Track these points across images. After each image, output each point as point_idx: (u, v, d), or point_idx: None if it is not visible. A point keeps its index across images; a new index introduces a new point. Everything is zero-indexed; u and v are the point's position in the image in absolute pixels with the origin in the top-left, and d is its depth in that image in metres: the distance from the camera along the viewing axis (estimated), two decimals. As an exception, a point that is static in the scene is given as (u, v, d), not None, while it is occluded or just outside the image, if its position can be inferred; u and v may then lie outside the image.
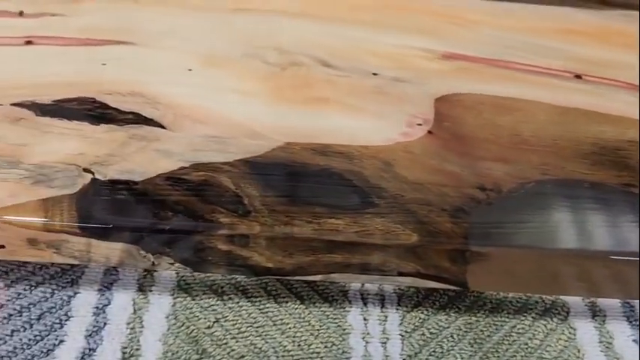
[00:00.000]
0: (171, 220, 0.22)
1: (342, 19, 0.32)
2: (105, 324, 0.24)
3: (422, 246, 0.23)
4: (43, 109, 0.26)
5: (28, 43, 0.29)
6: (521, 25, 0.33)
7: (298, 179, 0.24)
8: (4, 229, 0.22)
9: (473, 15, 0.33)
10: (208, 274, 0.26)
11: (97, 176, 0.23)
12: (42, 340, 0.24)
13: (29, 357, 0.23)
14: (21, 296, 0.25)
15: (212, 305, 0.25)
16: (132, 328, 0.24)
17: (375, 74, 0.29)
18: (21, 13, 0.31)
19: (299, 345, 0.25)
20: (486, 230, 0.23)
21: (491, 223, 0.24)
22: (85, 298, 0.25)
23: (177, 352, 0.24)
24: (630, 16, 0.34)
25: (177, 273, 0.26)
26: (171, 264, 0.23)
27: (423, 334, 0.25)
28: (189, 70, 0.28)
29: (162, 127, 0.25)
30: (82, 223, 0.22)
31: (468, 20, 0.33)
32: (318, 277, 0.23)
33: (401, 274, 0.23)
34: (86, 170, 0.23)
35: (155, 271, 0.26)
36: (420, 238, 0.22)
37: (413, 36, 0.31)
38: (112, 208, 0.22)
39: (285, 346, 0.25)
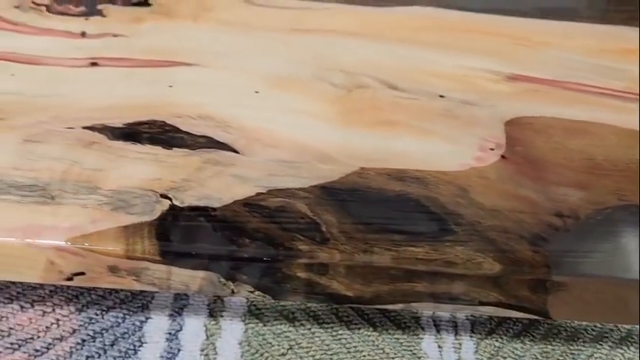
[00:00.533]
0: (250, 248, 0.22)
1: (404, 40, 0.32)
2: (179, 350, 0.24)
3: (504, 276, 0.22)
4: (114, 133, 0.26)
5: (93, 64, 0.29)
6: (584, 46, 0.33)
7: (375, 205, 0.24)
8: (85, 257, 0.22)
9: (537, 36, 0.33)
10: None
11: (175, 202, 0.23)
12: (118, 366, 0.23)
13: (107, 384, 0.23)
14: (93, 321, 0.25)
15: (285, 332, 0.25)
16: (206, 355, 0.24)
17: (442, 96, 0.29)
18: (83, 34, 0.31)
19: (375, 373, 0.24)
20: (566, 259, 0.23)
21: (571, 251, 0.23)
22: (157, 324, 0.25)
23: (253, 380, 0.24)
24: None
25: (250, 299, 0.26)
26: (251, 292, 0.23)
27: (500, 363, 0.25)
28: (256, 92, 0.28)
29: (236, 151, 0.25)
30: (163, 251, 0.22)
31: (532, 41, 0.33)
32: (398, 307, 0.23)
33: (482, 303, 0.23)
34: (163, 196, 0.23)
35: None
36: (503, 268, 0.22)
37: (477, 57, 0.31)
38: (191, 235, 0.22)
39: (361, 375, 0.24)
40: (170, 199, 0.23)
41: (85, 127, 0.26)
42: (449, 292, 0.23)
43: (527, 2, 0.37)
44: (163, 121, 0.26)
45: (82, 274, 0.22)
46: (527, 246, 0.23)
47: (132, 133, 0.26)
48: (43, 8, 0.33)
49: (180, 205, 0.23)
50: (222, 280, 0.22)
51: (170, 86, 0.28)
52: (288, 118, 0.27)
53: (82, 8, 0.33)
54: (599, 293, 0.24)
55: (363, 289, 0.23)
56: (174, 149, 0.25)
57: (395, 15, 0.34)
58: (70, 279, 0.22)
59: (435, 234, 0.23)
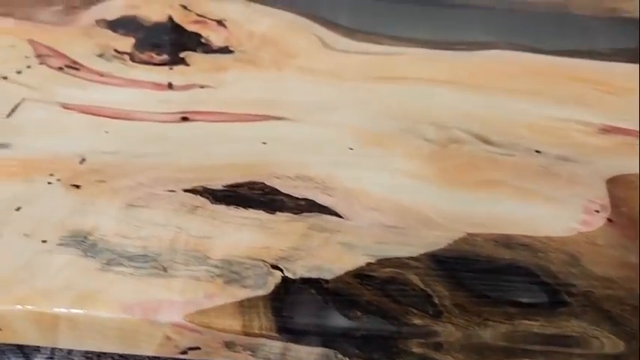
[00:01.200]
0: (364, 322, 0.22)
1: (493, 88, 0.31)
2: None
3: (627, 354, 0.22)
4: (215, 196, 0.26)
5: (184, 119, 0.29)
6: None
7: (485, 275, 0.24)
8: (202, 333, 0.22)
9: (619, 81, 0.33)
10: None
11: (287, 274, 0.23)
12: None
13: None
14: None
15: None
16: None
17: (538, 152, 0.28)
18: (170, 86, 0.31)
19: None
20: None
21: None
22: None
23: None
24: None
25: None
26: (367, 367, 0.23)
27: None
28: (350, 148, 0.28)
29: (339, 215, 0.25)
30: (280, 327, 0.22)
31: (615, 87, 0.32)
32: (515, 382, 0.23)
33: (600, 378, 0.23)
34: (274, 267, 0.23)
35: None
36: (626, 347, 0.22)
37: (566, 106, 0.31)
38: (306, 309, 0.22)
39: None
40: (282, 271, 0.23)
41: (186, 190, 0.26)
42: (567, 368, 0.22)
43: (601, 41, 0.36)
44: (262, 183, 0.26)
45: (198, 348, 0.22)
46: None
47: (232, 196, 0.26)
48: (126, 57, 0.33)
49: (293, 277, 0.23)
50: (340, 355, 0.22)
51: (264, 143, 0.28)
52: (386, 177, 0.27)
53: (164, 56, 0.33)
54: None
55: (478, 364, 0.23)
56: (278, 214, 0.25)
57: (477, 60, 0.34)
58: (184, 352, 0.22)
59: (549, 305, 0.23)
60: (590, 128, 0.30)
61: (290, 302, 0.22)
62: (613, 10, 0.39)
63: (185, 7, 0.36)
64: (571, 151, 0.28)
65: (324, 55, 0.33)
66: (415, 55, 0.34)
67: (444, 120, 0.30)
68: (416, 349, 0.22)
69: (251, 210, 0.25)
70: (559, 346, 0.22)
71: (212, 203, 0.25)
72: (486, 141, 0.29)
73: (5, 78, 0.31)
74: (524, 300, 0.23)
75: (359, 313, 0.22)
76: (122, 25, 0.35)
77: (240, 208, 0.25)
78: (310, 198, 0.26)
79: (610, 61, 0.34)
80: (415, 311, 0.22)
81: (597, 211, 0.26)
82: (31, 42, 0.34)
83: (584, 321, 0.23)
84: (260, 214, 0.25)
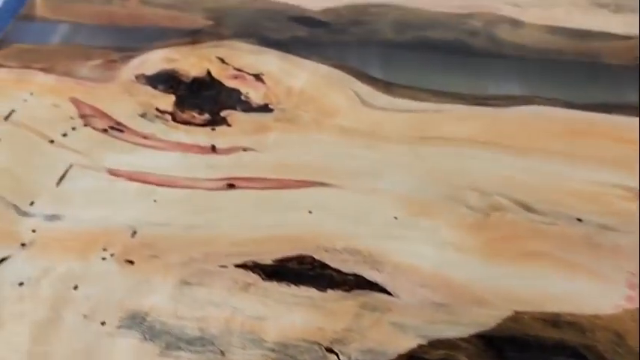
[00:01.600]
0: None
1: (531, 149, 0.32)
2: None
3: None
4: (266, 272, 0.26)
5: (230, 186, 0.30)
6: None
7: (534, 355, 0.24)
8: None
9: (656, 139, 0.33)
10: None
11: (342, 358, 0.23)
12: None
13: None
14: None
15: None
16: None
17: (579, 220, 0.29)
18: (214, 149, 0.32)
19: None
20: None
21: None
22: None
23: None
24: None
25: None
26: None
27: None
28: (395, 217, 0.29)
29: (388, 292, 0.26)
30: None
31: (655, 146, 0.32)
32: None
33: None
34: (329, 350, 0.24)
35: None
36: None
37: (605, 169, 0.31)
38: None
39: None
40: (337, 354, 0.24)
41: (237, 266, 0.26)
42: None
43: (632, 91, 0.37)
44: (311, 257, 0.27)
45: None
46: None
47: (283, 272, 0.26)
48: (168, 116, 0.33)
49: None
50: None
51: (310, 212, 0.29)
52: (432, 250, 0.27)
53: (205, 116, 0.34)
54: None
55: None
56: (329, 291, 0.26)
57: (514, 117, 0.34)
58: None
59: None
60: (630, 193, 0.30)
61: None
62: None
63: (222, 60, 0.37)
64: (612, 219, 0.29)
65: (363, 114, 0.34)
66: (453, 112, 0.34)
67: (485, 185, 0.30)
68: None
69: (302, 287, 0.26)
70: None
71: (263, 280, 0.26)
72: (528, 208, 0.29)
73: (52, 142, 0.32)
74: None
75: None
76: (162, 80, 0.35)
77: (292, 285, 0.26)
78: (359, 274, 0.26)
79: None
80: None
81: None
82: (74, 101, 0.34)
83: None
84: (311, 292, 0.26)
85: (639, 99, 0.35)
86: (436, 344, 0.24)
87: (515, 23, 0.41)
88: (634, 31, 0.40)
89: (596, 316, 0.25)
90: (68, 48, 0.38)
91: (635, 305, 0.26)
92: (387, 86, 0.36)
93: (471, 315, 0.25)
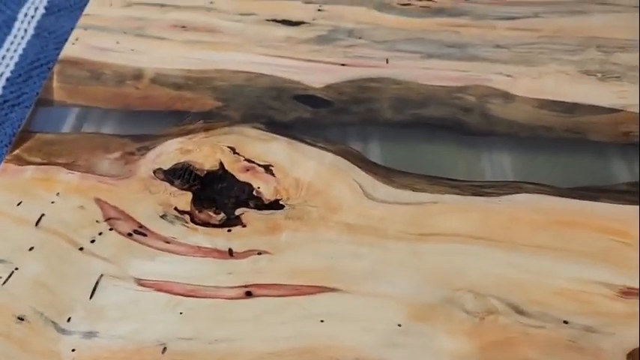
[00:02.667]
0: None
1: (522, 244, 0.35)
2: None
3: None
4: None
5: (248, 294, 0.33)
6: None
7: None
8: None
9: (634, 228, 0.36)
10: None
11: None
12: None
13: None
14: None
15: None
16: None
17: (566, 322, 0.32)
18: (231, 252, 0.35)
19: None
20: None
21: None
22: None
23: None
24: None
25: None
26: None
27: None
28: (399, 325, 0.32)
29: None
30: None
31: (631, 236, 0.36)
32: None
33: None
34: None
35: None
36: None
37: (591, 264, 0.34)
38: None
39: None
40: None
41: None
42: None
43: (619, 171, 0.40)
44: None
45: None
46: None
47: None
48: (187, 217, 0.36)
49: None
50: None
51: (322, 321, 0.32)
52: (431, 359, 0.31)
53: (222, 215, 0.37)
54: None
55: None
56: None
57: (506, 208, 0.37)
58: None
59: None
60: (612, 291, 0.33)
61: None
62: (627, 135, 0.42)
63: (234, 150, 0.40)
64: (595, 320, 0.32)
65: (366, 208, 0.37)
66: (449, 203, 0.37)
67: (480, 286, 0.33)
68: None
69: None
70: None
71: None
72: (519, 311, 0.32)
73: (81, 249, 0.35)
74: None
75: None
76: (178, 175, 0.38)
77: None
78: None
79: (629, 203, 0.37)
80: None
81: None
82: (99, 202, 0.37)
83: None
84: None
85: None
86: None
87: (507, 96, 0.44)
88: (620, 102, 0.43)
89: None
90: (87, 138, 0.41)
91: None
92: (387, 174, 0.39)
93: None
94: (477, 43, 0.48)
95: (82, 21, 0.50)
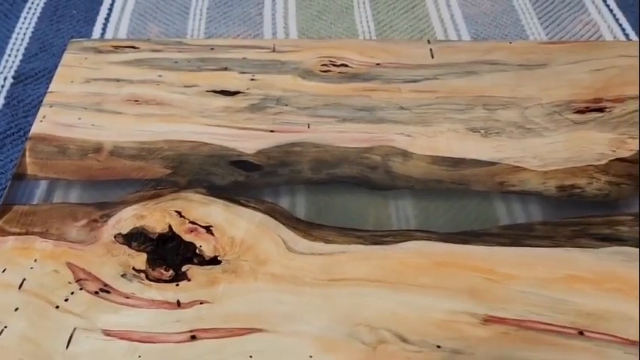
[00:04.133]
0: None
1: (409, 285, 0.45)
2: None
3: None
4: None
5: (193, 337, 0.42)
6: (537, 276, 0.45)
7: None
8: None
9: (501, 267, 0.46)
10: None
11: None
12: None
13: None
14: None
15: None
16: None
17: (438, 347, 0.42)
18: (178, 303, 0.44)
19: None
20: None
21: None
22: None
23: None
24: (625, 253, 0.47)
25: None
26: None
27: None
28: (310, 356, 0.41)
29: None
30: None
31: (500, 274, 0.46)
32: None
33: None
34: None
35: None
36: None
37: (459, 299, 0.44)
38: None
39: None
40: None
41: None
42: None
43: (492, 218, 0.50)
44: None
45: None
46: None
47: None
48: (143, 275, 0.46)
49: None
50: None
51: (251, 357, 0.41)
52: (336, 381, 0.40)
53: (171, 272, 0.46)
54: None
55: None
56: None
57: (399, 255, 0.47)
58: None
59: None
60: (476, 319, 0.43)
61: None
62: (501, 185, 0.52)
63: (179, 214, 0.49)
64: (461, 344, 0.42)
65: (287, 260, 0.46)
66: (354, 253, 0.47)
67: (374, 321, 0.43)
68: None
69: None
70: None
71: None
72: (404, 340, 0.42)
73: (57, 307, 0.44)
74: None
75: None
76: (134, 238, 0.47)
77: None
78: None
79: (497, 245, 0.47)
80: None
81: None
82: (70, 265, 0.46)
83: None
84: None
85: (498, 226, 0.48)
86: None
87: (406, 154, 0.53)
88: (498, 156, 0.53)
89: None
90: (57, 208, 0.49)
91: None
92: (306, 229, 0.48)
93: None
94: (383, 105, 0.58)
95: (47, 98, 0.58)
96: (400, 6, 0.71)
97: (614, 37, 0.68)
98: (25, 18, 0.70)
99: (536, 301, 0.44)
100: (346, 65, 0.61)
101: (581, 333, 0.42)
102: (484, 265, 0.46)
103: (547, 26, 0.71)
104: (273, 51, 0.63)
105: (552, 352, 0.42)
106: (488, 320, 0.43)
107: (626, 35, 0.69)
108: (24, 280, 0.44)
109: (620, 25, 0.71)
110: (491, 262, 0.46)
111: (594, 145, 0.54)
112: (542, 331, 0.43)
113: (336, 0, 0.73)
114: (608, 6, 0.74)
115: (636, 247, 0.47)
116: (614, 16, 0.74)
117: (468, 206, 0.50)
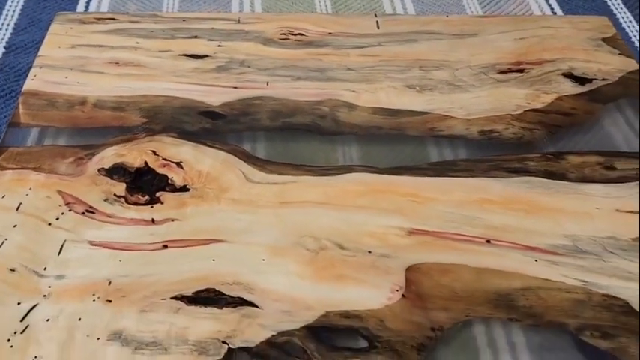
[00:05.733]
0: (272, 367, 0.44)
1: (348, 206, 0.53)
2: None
3: (403, 372, 0.45)
4: (189, 299, 0.47)
5: (165, 246, 0.51)
6: (455, 199, 0.54)
7: (336, 334, 0.46)
8: (189, 382, 0.44)
9: (426, 192, 0.55)
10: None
11: (231, 346, 0.45)
12: None
13: None
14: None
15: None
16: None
17: (369, 252, 0.51)
18: (153, 221, 0.52)
19: None
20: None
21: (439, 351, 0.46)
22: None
23: None
24: (530, 182, 0.56)
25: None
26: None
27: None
28: (263, 259, 0.50)
29: (258, 306, 0.47)
30: (229, 375, 0.44)
31: (424, 198, 0.55)
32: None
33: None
34: (224, 342, 0.45)
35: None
36: (401, 369, 0.45)
37: (391, 216, 0.53)
38: (242, 364, 0.44)
39: None
40: (227, 344, 0.45)
41: (172, 298, 0.47)
42: (375, 381, 0.45)
43: (428, 158, 0.59)
44: (214, 289, 0.48)
45: None
46: (415, 352, 0.46)
47: (198, 300, 0.47)
48: (123, 200, 0.54)
49: (233, 347, 0.45)
50: (260, 386, 0.45)
51: (213, 260, 0.50)
52: (284, 279, 0.49)
53: (147, 197, 0.54)
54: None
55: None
56: (224, 308, 0.47)
57: (341, 183, 0.55)
58: (180, 391, 0.44)
59: (368, 348, 0.46)
60: (403, 232, 0.52)
61: (236, 358, 0.44)
62: (432, 130, 0.61)
63: (154, 152, 0.57)
64: (389, 250, 0.51)
65: (246, 188, 0.55)
66: (304, 182, 0.55)
67: (318, 233, 0.51)
68: (299, 379, 0.45)
69: (209, 307, 0.47)
70: (371, 371, 0.45)
71: (187, 305, 0.47)
72: (341, 247, 0.51)
73: (50, 224, 0.52)
74: (355, 346, 0.46)
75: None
76: (115, 172, 0.56)
77: (203, 306, 0.47)
78: (241, 296, 0.48)
79: (424, 176, 0.56)
80: (298, 358, 0.45)
81: (397, 290, 0.49)
82: (60, 192, 0.54)
83: (384, 355, 0.45)
84: (214, 310, 0.47)
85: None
86: (282, 333, 0.46)
87: (351, 106, 0.62)
88: (429, 107, 0.62)
89: (370, 310, 0.47)
90: (48, 149, 0.57)
91: (393, 302, 0.48)
92: (263, 165, 0.57)
93: (304, 316, 0.47)
94: (333, 67, 0.67)
95: (37, 61, 0.67)
96: (354, -12, 0.80)
97: (542, 14, 0.78)
98: (16, -5, 0.78)
99: (452, 218, 0.53)
100: (302, 34, 0.70)
101: (488, 241, 0.51)
102: (412, 191, 0.54)
103: (485, 5, 0.80)
104: (238, 22, 0.71)
105: (463, 255, 0.51)
106: (412, 232, 0.52)
107: (553, 12, 0.79)
108: (20, 204, 0.52)
109: (549, 4, 0.81)
110: (418, 189, 0.55)
111: (512, 98, 0.63)
112: (455, 240, 0.51)
113: (298, -18, 0.81)
114: (539, -11, 0.84)
115: (540, 177, 0.56)
116: (544, -3, 0.83)
117: (405, 149, 0.59)
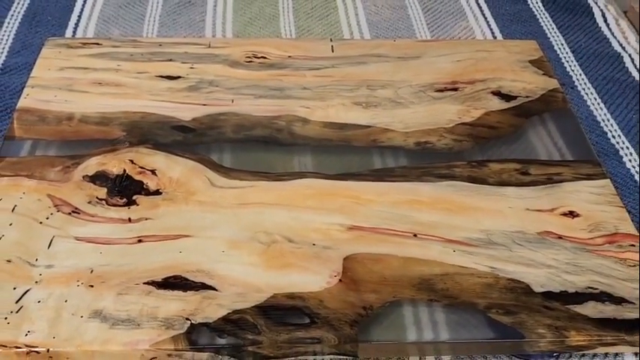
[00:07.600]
0: (229, 339, 0.53)
1: (298, 207, 0.63)
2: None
3: (340, 344, 0.54)
4: (159, 284, 0.56)
5: (140, 241, 0.60)
6: (390, 200, 0.64)
7: (282, 313, 0.55)
8: (156, 352, 0.53)
9: (366, 195, 0.64)
10: None
11: (193, 322, 0.54)
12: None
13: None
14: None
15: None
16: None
17: (314, 244, 0.60)
18: (130, 220, 0.61)
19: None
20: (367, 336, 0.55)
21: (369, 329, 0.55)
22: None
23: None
24: (455, 186, 0.65)
25: None
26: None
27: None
28: (223, 251, 0.59)
29: (216, 289, 0.56)
30: (191, 347, 0.53)
31: (364, 199, 0.64)
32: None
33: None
34: (187, 319, 0.54)
35: None
36: (340, 337, 0.54)
37: (334, 215, 0.62)
38: (201, 337, 0.53)
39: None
40: (190, 320, 0.54)
41: (144, 283, 0.57)
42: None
43: (365, 165, 0.68)
44: (180, 275, 0.57)
45: (154, 358, 0.53)
46: (349, 327, 0.55)
47: (167, 284, 0.56)
48: (104, 202, 0.63)
49: (195, 323, 0.54)
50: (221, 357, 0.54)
51: (180, 252, 0.59)
52: (240, 267, 0.58)
53: (124, 199, 0.63)
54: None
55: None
56: (188, 292, 0.56)
57: (293, 187, 0.65)
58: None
59: (309, 324, 0.55)
60: (343, 228, 0.61)
61: (195, 335, 0.53)
62: (374, 141, 0.70)
63: (132, 161, 0.66)
64: (330, 243, 0.60)
65: (211, 191, 0.64)
66: (260, 186, 0.64)
67: (270, 229, 0.61)
68: (250, 348, 0.54)
69: (176, 291, 0.56)
70: (309, 341, 0.54)
71: (157, 289, 0.56)
72: (290, 240, 0.60)
73: (41, 223, 0.61)
74: (298, 322, 0.55)
75: (225, 335, 0.54)
76: (98, 178, 0.65)
77: (170, 290, 0.56)
78: (203, 282, 0.57)
79: (366, 181, 0.66)
80: (249, 331, 0.54)
81: (335, 276, 0.58)
82: (49, 196, 0.63)
83: (322, 330, 0.55)
84: (180, 293, 0.56)
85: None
86: (236, 312, 0.55)
87: (305, 121, 0.72)
88: (373, 122, 0.72)
89: (311, 292, 0.57)
90: (39, 159, 0.66)
91: (331, 285, 0.57)
92: (226, 172, 0.66)
93: (255, 297, 0.56)
94: (291, 86, 0.76)
95: (29, 81, 0.76)
96: (317, 14, 0.90)
97: (484, 38, 0.88)
98: (9, 23, 0.87)
99: (386, 216, 0.62)
100: (265, 57, 0.80)
101: (415, 235, 0.61)
102: (354, 194, 0.64)
103: (433, 30, 0.91)
104: (209, 47, 0.81)
105: (392, 247, 0.60)
106: (351, 228, 0.61)
107: (494, 35, 0.89)
108: (15, 205, 0.61)
109: (491, 29, 0.91)
110: (359, 192, 0.64)
111: (446, 113, 0.73)
112: (387, 235, 0.61)
113: (265, 9, 0.91)
114: (483, 14, 0.94)
115: (464, 181, 0.66)
116: (487, 22, 0.94)
117: (352, 158, 0.68)
